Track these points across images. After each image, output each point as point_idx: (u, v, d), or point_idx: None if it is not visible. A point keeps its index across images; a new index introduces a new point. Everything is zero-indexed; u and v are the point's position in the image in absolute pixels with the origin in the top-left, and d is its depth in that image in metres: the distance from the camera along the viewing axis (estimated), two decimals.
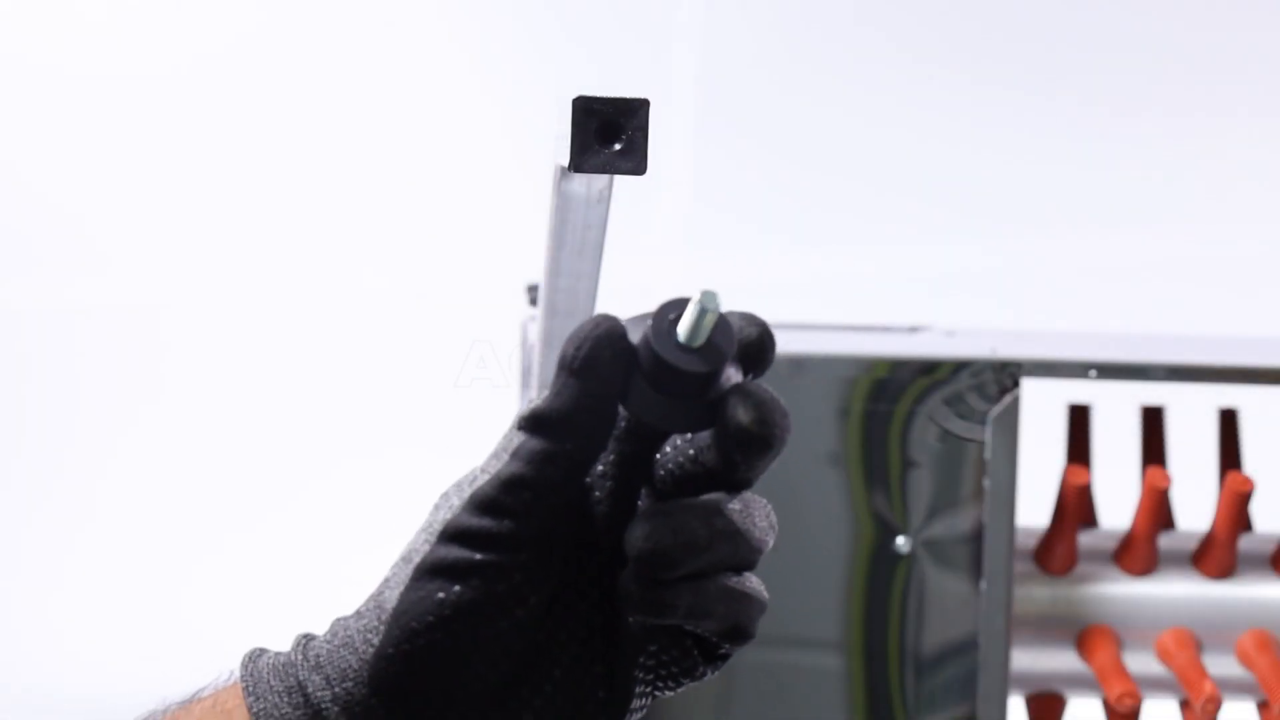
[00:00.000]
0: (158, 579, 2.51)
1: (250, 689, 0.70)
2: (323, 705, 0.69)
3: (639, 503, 0.71)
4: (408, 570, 0.69)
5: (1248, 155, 2.59)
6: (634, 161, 0.82)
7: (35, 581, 2.52)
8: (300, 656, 0.71)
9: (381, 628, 0.68)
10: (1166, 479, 1.43)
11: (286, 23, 2.65)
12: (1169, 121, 2.60)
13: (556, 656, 0.70)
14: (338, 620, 0.71)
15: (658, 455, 0.71)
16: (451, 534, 0.68)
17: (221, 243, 2.65)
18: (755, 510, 0.71)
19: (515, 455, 0.68)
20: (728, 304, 0.69)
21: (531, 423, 0.68)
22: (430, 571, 0.68)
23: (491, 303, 2.08)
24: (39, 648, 2.44)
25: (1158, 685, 1.44)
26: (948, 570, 1.38)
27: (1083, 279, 2.59)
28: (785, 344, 1.41)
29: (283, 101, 2.63)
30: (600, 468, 0.70)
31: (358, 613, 0.70)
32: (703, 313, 0.66)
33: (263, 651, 0.72)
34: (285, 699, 0.70)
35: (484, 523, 0.67)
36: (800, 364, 1.38)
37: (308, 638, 0.72)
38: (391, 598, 0.69)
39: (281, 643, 0.73)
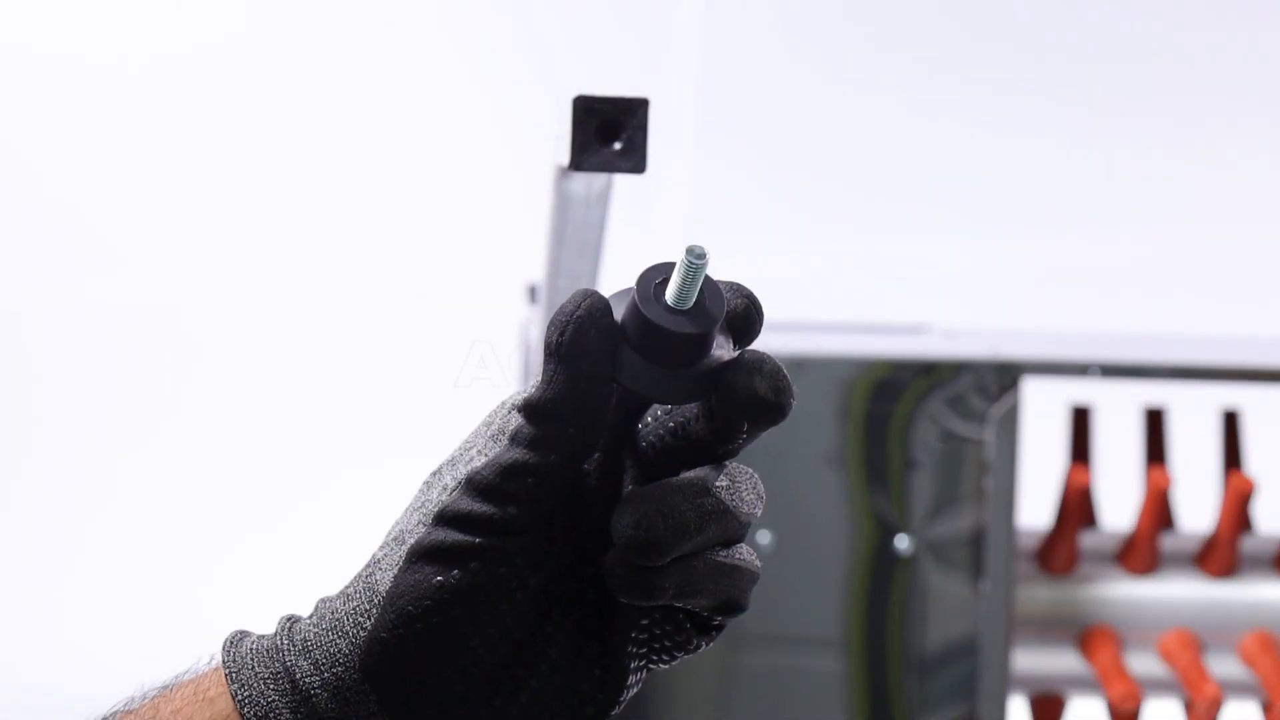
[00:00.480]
0: (160, 579, 2.50)
1: (233, 675, 0.69)
2: (311, 691, 0.67)
3: (625, 474, 0.70)
4: (400, 552, 0.67)
5: (1249, 156, 2.59)
6: (634, 161, 0.82)
7: (43, 581, 2.52)
8: (286, 641, 0.69)
9: (374, 611, 0.67)
10: (1168, 479, 1.42)
11: (287, 24, 2.64)
12: (1170, 122, 2.60)
13: (552, 636, 0.69)
14: (323, 601, 0.69)
15: (639, 425, 0.70)
16: (450, 517, 0.67)
17: (223, 244, 2.64)
18: (742, 484, 0.70)
19: (515, 440, 0.66)
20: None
21: (528, 411, 0.66)
22: (426, 554, 0.66)
23: (491, 303, 2.08)
24: (46, 648, 2.44)
25: (1159, 686, 1.44)
26: (949, 570, 1.38)
27: (1083, 279, 2.59)
28: (785, 344, 1.41)
29: (283, 102, 2.63)
30: None
31: (345, 594, 0.69)
32: (691, 268, 0.65)
33: (245, 635, 0.70)
34: (271, 685, 0.68)
35: (484, 508, 0.66)
36: (800, 364, 1.38)
37: (292, 620, 0.70)
38: (384, 580, 0.67)
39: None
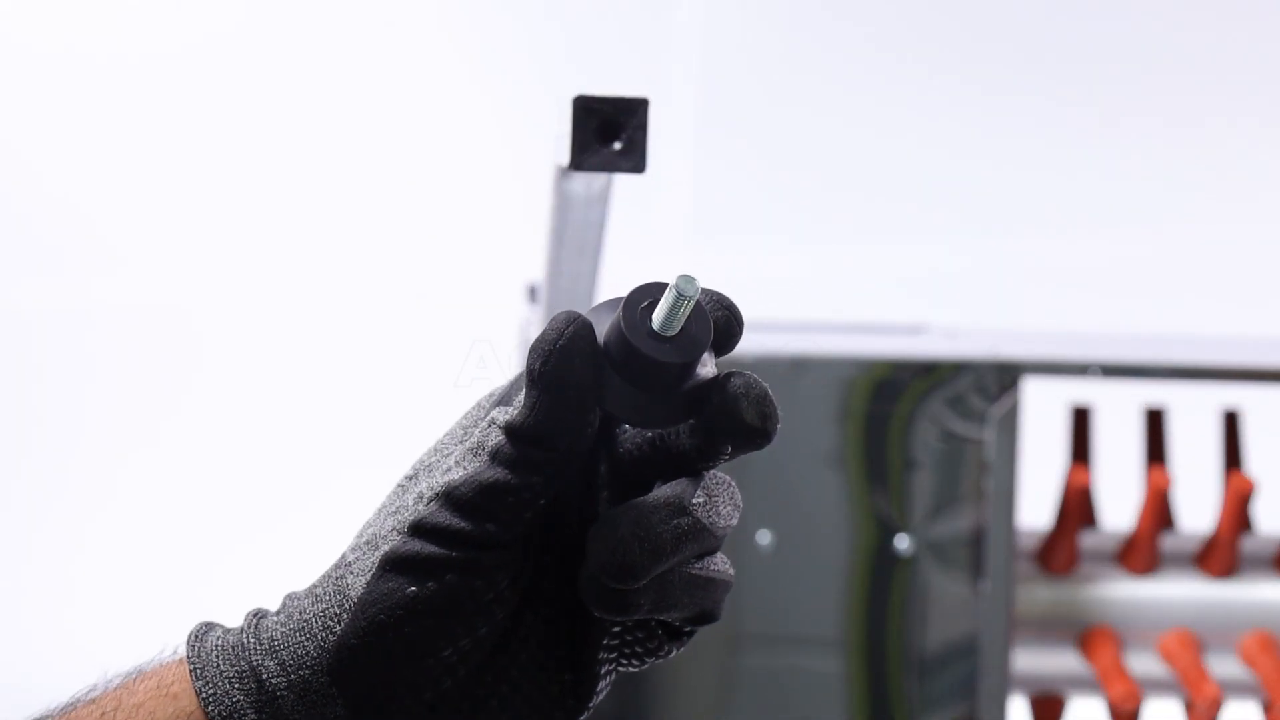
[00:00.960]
0: (162, 579, 2.50)
1: (198, 671, 0.68)
2: (278, 692, 0.67)
3: (600, 481, 0.69)
4: (373, 558, 0.66)
5: (1249, 156, 2.59)
6: (634, 160, 0.82)
7: (44, 581, 2.51)
8: (253, 639, 0.68)
9: (344, 616, 0.66)
10: (1168, 479, 1.42)
11: (288, 25, 2.64)
12: (1170, 122, 2.59)
13: (524, 641, 0.68)
14: (290, 598, 0.69)
15: (617, 430, 0.69)
16: (426, 529, 0.66)
17: (224, 245, 2.64)
18: (720, 498, 0.68)
19: (496, 459, 0.66)
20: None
21: (510, 434, 0.66)
22: (400, 564, 0.66)
23: (491, 303, 2.08)
24: (46, 648, 2.44)
25: (1159, 686, 1.43)
26: (949, 571, 1.38)
27: (1083, 279, 2.59)
28: (785, 344, 1.41)
29: (285, 102, 2.63)
30: None
31: (314, 595, 0.68)
32: (679, 299, 0.64)
33: (210, 628, 0.69)
34: (236, 685, 0.67)
35: (461, 524, 0.65)
36: (800, 364, 1.38)
37: (259, 615, 0.69)
38: (355, 585, 0.66)
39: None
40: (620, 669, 0.71)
